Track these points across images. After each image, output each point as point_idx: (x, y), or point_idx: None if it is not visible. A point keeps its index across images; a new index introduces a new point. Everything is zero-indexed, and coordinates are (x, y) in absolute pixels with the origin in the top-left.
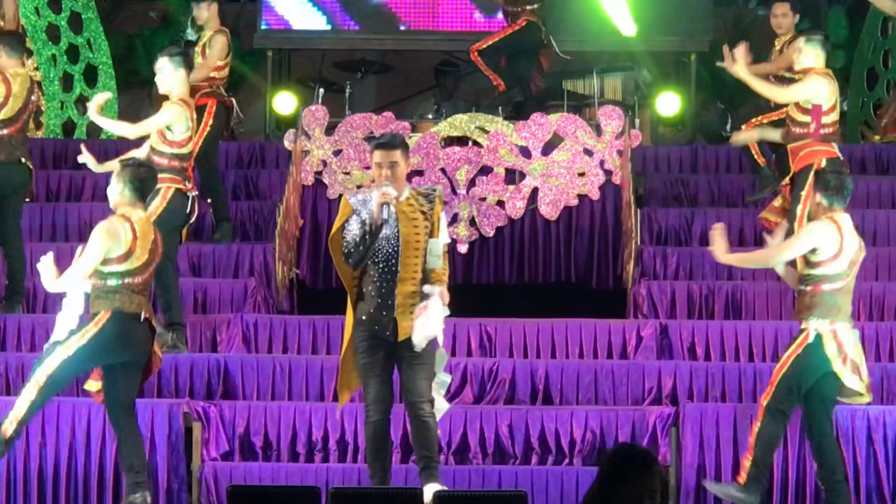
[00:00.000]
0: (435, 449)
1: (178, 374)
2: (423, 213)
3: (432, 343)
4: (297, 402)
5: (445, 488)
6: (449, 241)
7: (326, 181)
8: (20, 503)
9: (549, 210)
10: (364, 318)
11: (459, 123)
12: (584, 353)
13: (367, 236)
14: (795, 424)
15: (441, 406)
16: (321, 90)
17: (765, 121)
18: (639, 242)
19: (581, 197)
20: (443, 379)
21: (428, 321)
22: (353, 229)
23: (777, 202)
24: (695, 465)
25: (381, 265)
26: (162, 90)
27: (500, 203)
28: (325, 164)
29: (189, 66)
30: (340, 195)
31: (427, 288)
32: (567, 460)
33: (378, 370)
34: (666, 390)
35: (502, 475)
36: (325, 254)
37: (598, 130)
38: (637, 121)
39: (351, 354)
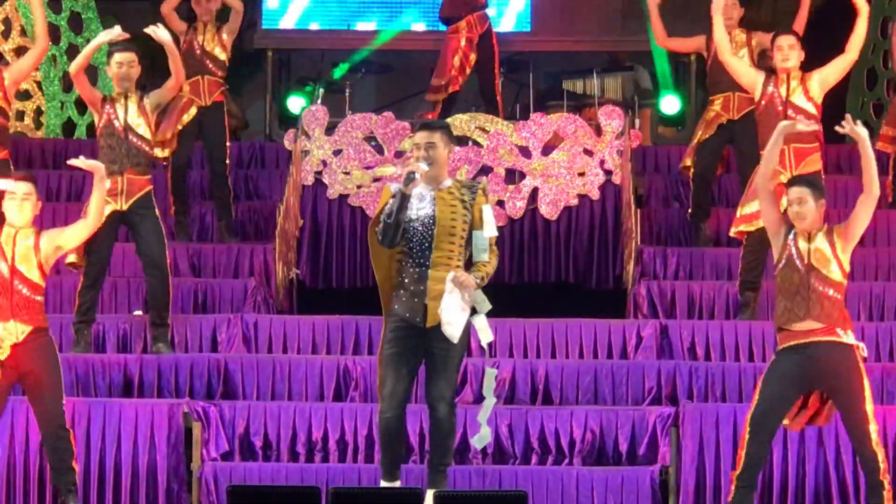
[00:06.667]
0: (448, 454)
1: (178, 374)
2: (462, 201)
3: (461, 341)
4: (297, 402)
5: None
6: (496, 234)
7: (326, 181)
8: (20, 503)
9: (549, 210)
10: (397, 306)
11: (459, 123)
12: (584, 353)
13: (395, 207)
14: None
15: (489, 403)
16: (321, 90)
17: None
18: (639, 242)
19: (581, 197)
20: (490, 370)
21: (443, 310)
22: (387, 209)
23: None
24: (695, 466)
25: (415, 249)
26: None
27: (501, 203)
28: (325, 164)
29: None
30: (342, 195)
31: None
32: (567, 460)
33: (400, 363)
34: (666, 390)
35: (502, 475)
36: (325, 254)
37: (598, 130)
38: (637, 121)
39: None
